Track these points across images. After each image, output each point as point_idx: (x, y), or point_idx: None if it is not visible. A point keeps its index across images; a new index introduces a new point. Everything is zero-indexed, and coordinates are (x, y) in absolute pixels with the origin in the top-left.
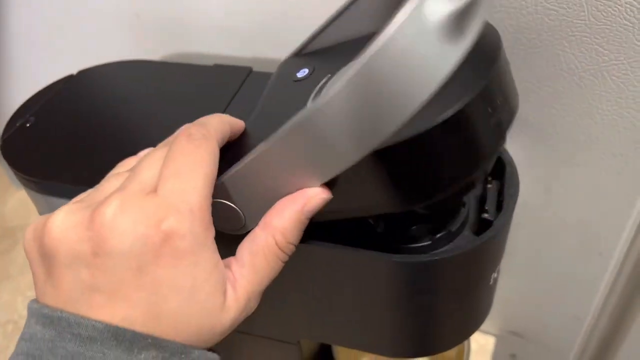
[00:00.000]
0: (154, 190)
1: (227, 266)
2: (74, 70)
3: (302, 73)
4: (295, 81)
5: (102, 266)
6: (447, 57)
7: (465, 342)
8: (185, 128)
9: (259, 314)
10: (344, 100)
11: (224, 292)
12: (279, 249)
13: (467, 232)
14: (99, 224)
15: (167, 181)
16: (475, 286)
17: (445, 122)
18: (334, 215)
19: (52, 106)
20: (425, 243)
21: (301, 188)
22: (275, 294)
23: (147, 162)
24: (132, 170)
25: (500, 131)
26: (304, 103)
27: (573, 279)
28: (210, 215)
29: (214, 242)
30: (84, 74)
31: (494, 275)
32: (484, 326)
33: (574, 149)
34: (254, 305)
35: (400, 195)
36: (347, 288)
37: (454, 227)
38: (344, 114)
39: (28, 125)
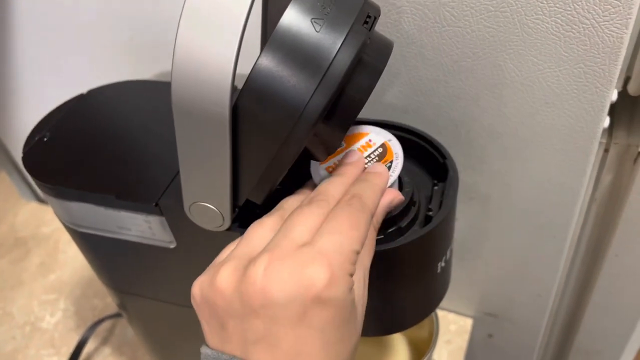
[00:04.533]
0: (307, 242)
1: None
2: (77, 90)
3: None
4: None
5: (263, 318)
6: None
7: (435, 324)
8: (348, 199)
9: None
10: None
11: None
12: None
13: (416, 227)
14: (255, 283)
15: (325, 234)
16: (424, 273)
17: None
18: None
19: (66, 122)
20: (379, 237)
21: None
22: None
23: (300, 219)
24: (284, 226)
25: None
26: None
27: (535, 261)
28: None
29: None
30: (93, 93)
31: (441, 264)
32: (461, 309)
33: (522, 146)
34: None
35: None
36: None
37: (404, 223)
38: None
39: (45, 139)
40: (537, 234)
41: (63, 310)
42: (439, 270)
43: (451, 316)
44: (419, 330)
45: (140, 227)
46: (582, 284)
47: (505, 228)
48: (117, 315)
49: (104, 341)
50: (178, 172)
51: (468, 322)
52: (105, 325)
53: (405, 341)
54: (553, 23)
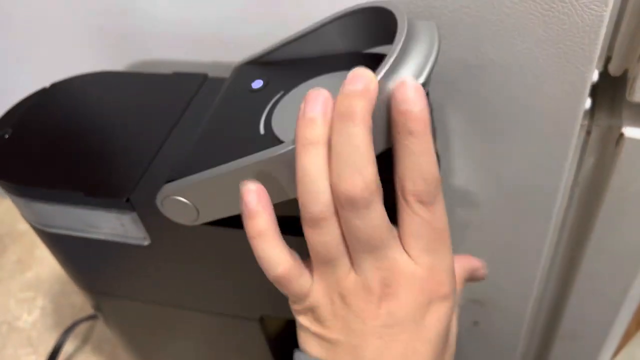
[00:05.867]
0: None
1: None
2: (42, 83)
3: (257, 84)
4: (251, 92)
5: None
6: None
7: None
8: (416, 189)
9: (218, 290)
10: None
11: None
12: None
13: None
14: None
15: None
16: None
17: None
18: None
19: (28, 117)
20: None
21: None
22: (233, 271)
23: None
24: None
25: None
26: (259, 116)
27: (519, 246)
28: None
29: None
30: (56, 86)
31: None
32: None
33: (502, 130)
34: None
35: None
36: None
37: None
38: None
39: (6, 136)
40: (521, 218)
41: (41, 309)
42: None
43: None
44: None
45: (112, 224)
46: (566, 269)
47: (488, 213)
48: (92, 317)
49: (85, 340)
50: (149, 166)
51: None
52: (85, 323)
53: None
54: (531, 1)
